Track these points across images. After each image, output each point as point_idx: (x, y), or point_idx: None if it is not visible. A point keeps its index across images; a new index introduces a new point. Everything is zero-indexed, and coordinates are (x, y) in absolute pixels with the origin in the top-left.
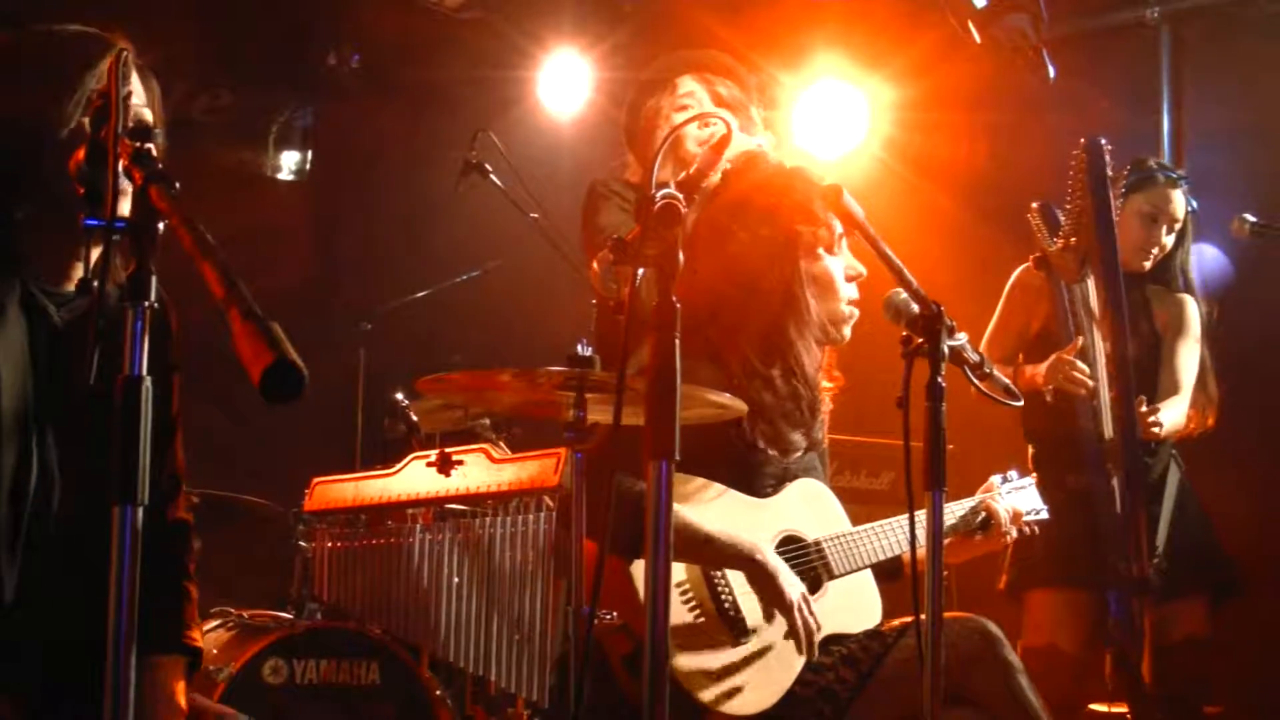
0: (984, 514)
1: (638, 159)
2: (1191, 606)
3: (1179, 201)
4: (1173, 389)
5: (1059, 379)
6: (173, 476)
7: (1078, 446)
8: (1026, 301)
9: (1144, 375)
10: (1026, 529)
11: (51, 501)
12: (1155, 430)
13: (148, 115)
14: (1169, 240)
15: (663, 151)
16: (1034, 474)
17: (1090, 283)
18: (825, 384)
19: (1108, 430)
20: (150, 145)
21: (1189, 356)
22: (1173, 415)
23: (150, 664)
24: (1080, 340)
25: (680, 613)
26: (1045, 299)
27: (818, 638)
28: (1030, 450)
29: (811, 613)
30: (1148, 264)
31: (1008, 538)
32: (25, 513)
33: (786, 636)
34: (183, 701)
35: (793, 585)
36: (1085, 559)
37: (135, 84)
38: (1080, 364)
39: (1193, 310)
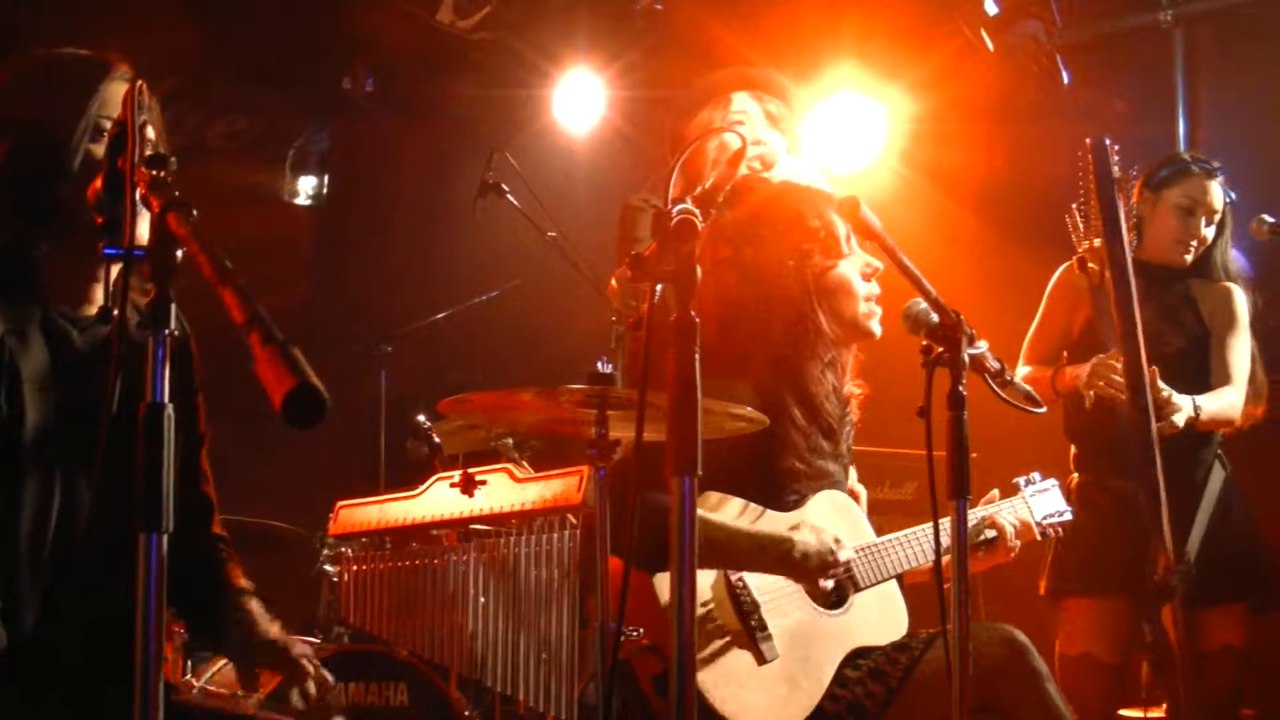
0: (988, 529)
1: (682, 171)
2: (1229, 614)
3: (1215, 192)
4: (1225, 380)
5: (1098, 384)
6: (204, 496)
7: (1120, 448)
8: (1067, 301)
9: (1195, 369)
10: (1052, 531)
11: (76, 527)
12: (1172, 410)
13: (150, 133)
14: (1209, 232)
15: (682, 167)
16: (1075, 474)
17: None
18: (854, 389)
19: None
20: (167, 173)
21: (1240, 346)
22: (1220, 402)
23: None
24: None
25: (707, 630)
26: (1087, 299)
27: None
28: (1073, 450)
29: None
30: (1188, 257)
31: (1013, 553)
32: (48, 539)
33: (813, 649)
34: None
35: (825, 544)
36: (1123, 565)
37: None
38: (1120, 367)
39: (1239, 299)
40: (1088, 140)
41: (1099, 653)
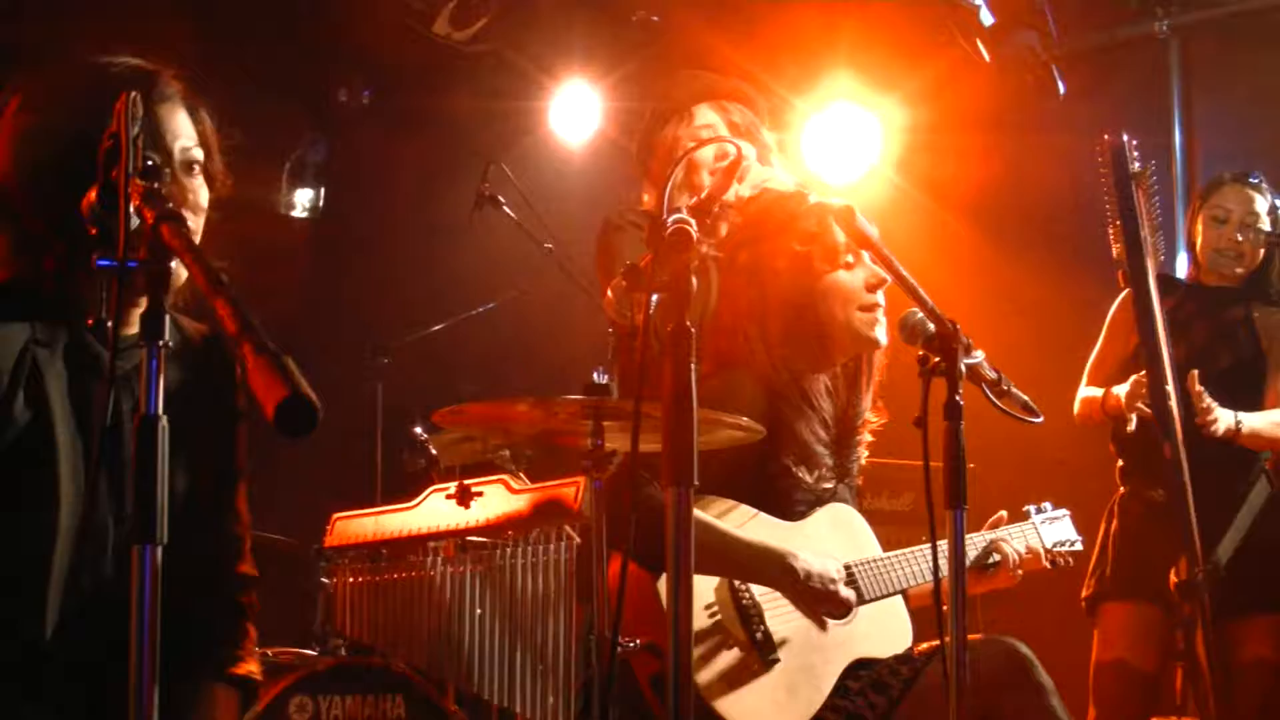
0: (994, 554)
1: (652, 187)
2: (1262, 626)
3: (1250, 200)
4: (1278, 404)
5: (1135, 404)
6: (237, 534)
7: (1161, 461)
8: (1126, 325)
9: (1244, 388)
10: (1062, 560)
11: (106, 547)
12: (1211, 419)
13: (198, 154)
14: (1249, 241)
15: (676, 179)
16: (1121, 487)
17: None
18: (870, 416)
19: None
20: (160, 184)
21: None
22: (1266, 420)
23: (199, 691)
24: None
25: (708, 632)
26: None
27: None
28: (1119, 463)
29: (844, 600)
30: (1239, 269)
31: (1014, 580)
32: (72, 553)
33: (814, 657)
34: None
35: (828, 570)
36: (1158, 573)
37: (184, 121)
38: None
39: None
40: (1105, 137)
41: (1132, 659)
